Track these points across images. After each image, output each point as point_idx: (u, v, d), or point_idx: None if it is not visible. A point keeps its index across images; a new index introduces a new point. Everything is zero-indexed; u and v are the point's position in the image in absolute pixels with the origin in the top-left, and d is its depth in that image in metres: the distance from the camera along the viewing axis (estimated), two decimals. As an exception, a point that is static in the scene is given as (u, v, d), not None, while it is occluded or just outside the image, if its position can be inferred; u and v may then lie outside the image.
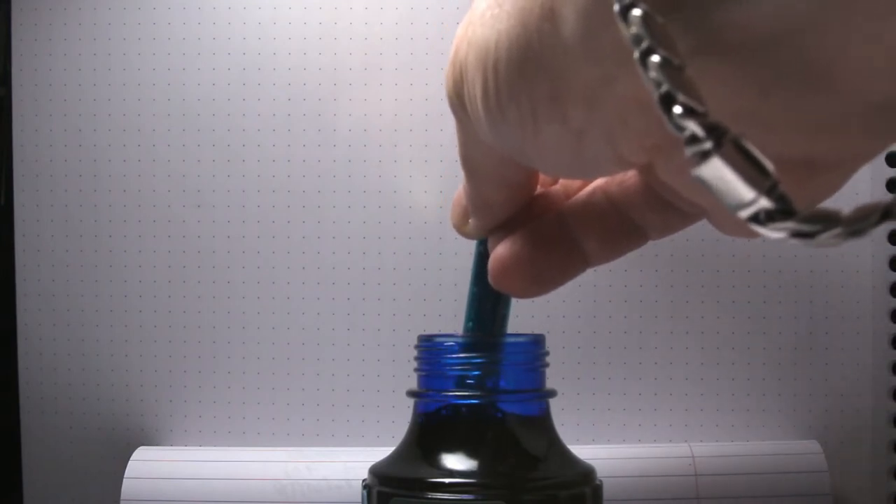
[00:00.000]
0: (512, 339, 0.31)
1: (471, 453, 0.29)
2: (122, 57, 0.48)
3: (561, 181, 0.25)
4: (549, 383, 0.32)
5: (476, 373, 0.30)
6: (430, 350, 0.31)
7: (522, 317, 0.47)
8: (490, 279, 0.24)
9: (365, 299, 0.47)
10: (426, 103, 0.48)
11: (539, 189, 0.25)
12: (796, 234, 0.14)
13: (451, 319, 0.47)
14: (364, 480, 0.31)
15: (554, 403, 0.32)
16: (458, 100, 0.21)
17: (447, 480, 0.28)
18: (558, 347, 0.47)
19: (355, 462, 0.43)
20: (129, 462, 0.44)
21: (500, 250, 0.24)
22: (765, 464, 0.44)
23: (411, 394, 0.31)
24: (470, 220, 0.25)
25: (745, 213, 0.14)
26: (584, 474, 0.30)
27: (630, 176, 0.23)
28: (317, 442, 0.47)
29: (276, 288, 0.48)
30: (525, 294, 0.24)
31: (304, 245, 0.48)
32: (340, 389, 0.47)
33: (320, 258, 0.48)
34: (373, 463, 0.31)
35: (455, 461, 0.29)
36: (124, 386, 0.47)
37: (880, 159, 0.47)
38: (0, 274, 0.49)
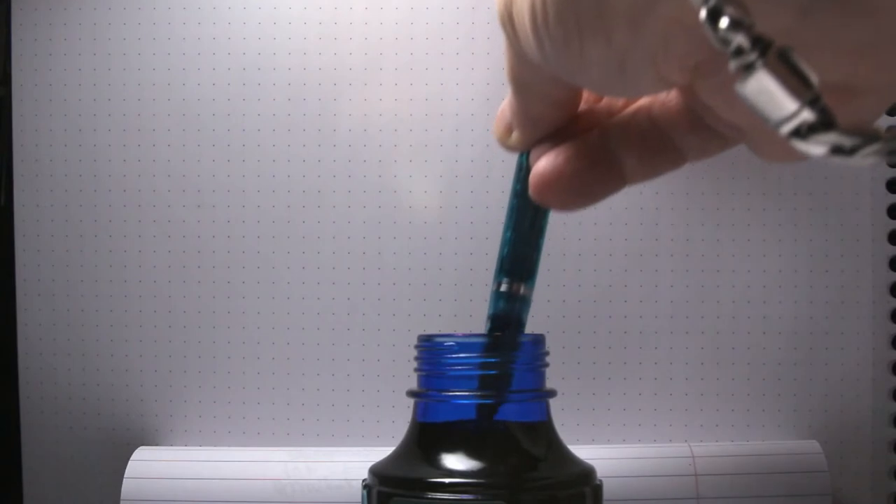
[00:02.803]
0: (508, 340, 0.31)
1: (471, 453, 0.29)
2: (122, 57, 0.48)
3: (605, 100, 0.25)
4: (549, 383, 0.32)
5: (476, 373, 0.30)
6: (430, 350, 0.31)
7: (522, 317, 0.47)
8: (530, 191, 0.24)
9: (365, 299, 0.47)
10: (426, 103, 0.48)
11: (583, 106, 0.25)
12: (836, 150, 0.14)
13: (451, 319, 0.47)
14: (364, 480, 0.31)
15: (554, 403, 0.32)
16: (507, 19, 0.21)
17: (447, 480, 0.28)
18: (558, 347, 0.47)
19: (355, 462, 0.43)
20: (129, 462, 0.44)
21: (542, 164, 0.24)
22: (765, 464, 0.44)
23: (411, 394, 0.31)
24: (513, 133, 0.26)
25: (786, 128, 0.14)
26: (584, 474, 0.30)
27: (672, 97, 0.23)
28: (317, 442, 0.47)
29: (276, 288, 0.48)
30: (563, 207, 0.24)
31: (304, 245, 0.48)
32: (340, 389, 0.47)
33: (320, 258, 0.48)
34: (373, 463, 0.31)
35: (455, 461, 0.29)
36: (124, 386, 0.47)
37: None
38: (0, 274, 0.49)
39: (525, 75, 0.23)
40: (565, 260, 0.47)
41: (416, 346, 0.32)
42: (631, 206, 0.47)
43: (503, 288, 0.29)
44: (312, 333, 0.47)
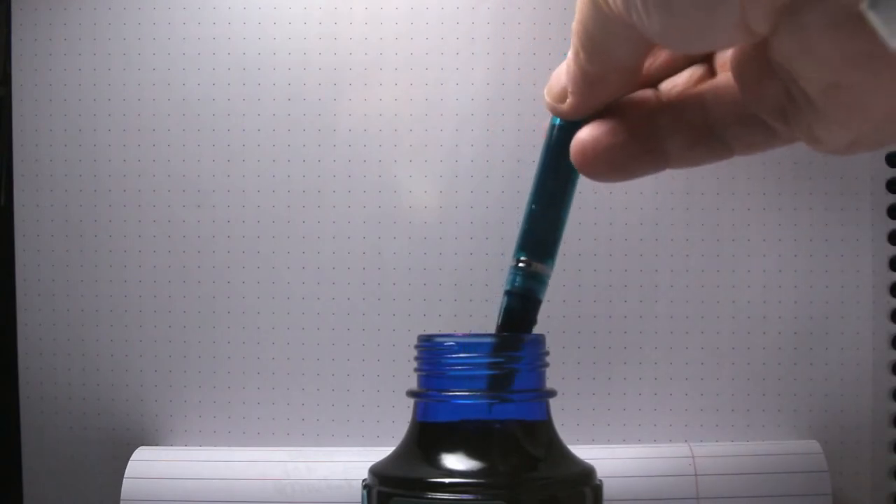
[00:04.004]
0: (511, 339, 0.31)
1: (471, 453, 0.29)
2: (122, 57, 0.48)
3: (663, 86, 0.25)
4: (550, 383, 0.32)
5: (476, 373, 0.30)
6: (429, 350, 0.31)
7: (522, 317, 0.47)
8: (572, 159, 0.24)
9: (365, 299, 0.47)
10: (426, 103, 0.48)
11: (638, 92, 0.25)
12: None
13: (451, 319, 0.47)
14: (364, 480, 0.31)
15: (554, 403, 0.32)
16: None
17: (447, 480, 0.28)
18: (558, 347, 0.47)
19: (355, 462, 0.43)
20: (129, 462, 0.44)
21: (585, 131, 0.24)
22: (765, 464, 0.44)
23: (411, 394, 0.31)
24: (567, 99, 0.25)
25: None
26: (584, 474, 0.30)
27: (725, 85, 0.23)
28: (317, 442, 0.47)
29: (276, 288, 0.48)
30: (600, 177, 0.24)
31: (304, 245, 0.48)
32: (340, 389, 0.47)
33: (320, 258, 0.48)
34: (373, 463, 0.31)
35: (455, 461, 0.29)
36: (124, 386, 0.47)
37: (880, 159, 0.47)
38: (0, 274, 0.49)
39: (594, 31, 0.22)
40: (565, 260, 0.47)
41: (416, 346, 0.32)
42: (631, 205, 0.47)
43: (521, 265, 0.28)
44: (312, 333, 0.47)
